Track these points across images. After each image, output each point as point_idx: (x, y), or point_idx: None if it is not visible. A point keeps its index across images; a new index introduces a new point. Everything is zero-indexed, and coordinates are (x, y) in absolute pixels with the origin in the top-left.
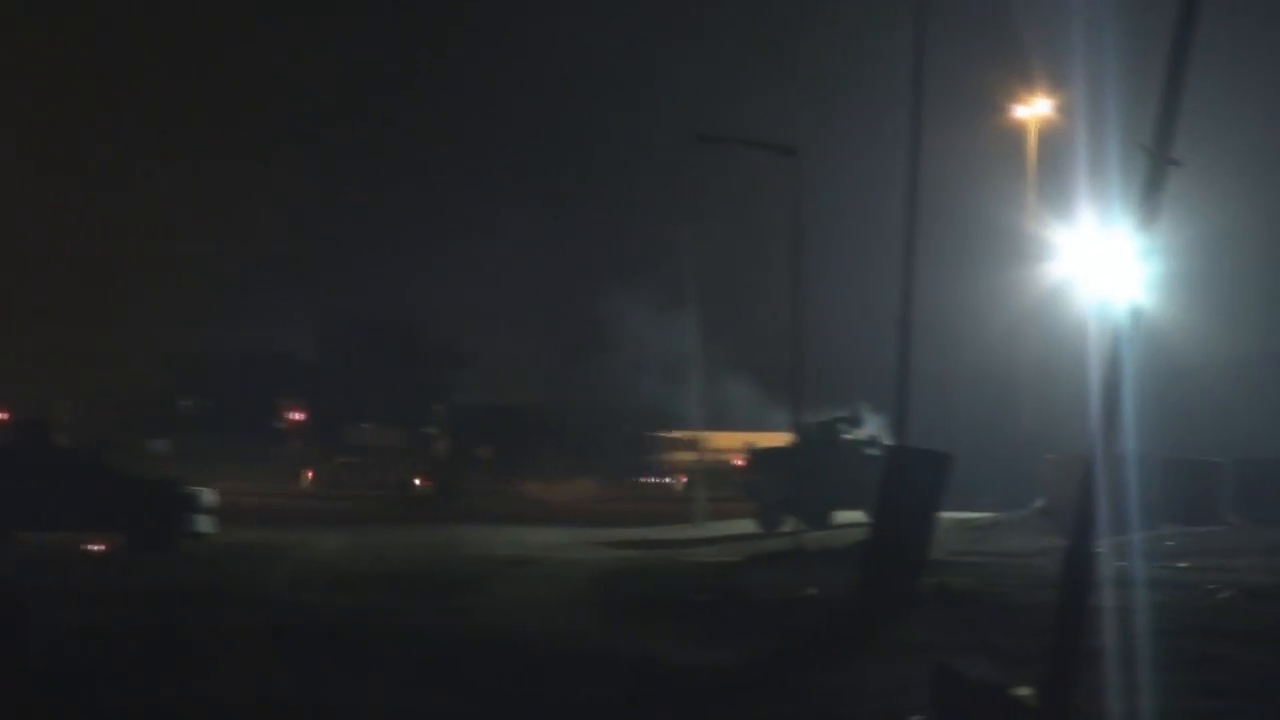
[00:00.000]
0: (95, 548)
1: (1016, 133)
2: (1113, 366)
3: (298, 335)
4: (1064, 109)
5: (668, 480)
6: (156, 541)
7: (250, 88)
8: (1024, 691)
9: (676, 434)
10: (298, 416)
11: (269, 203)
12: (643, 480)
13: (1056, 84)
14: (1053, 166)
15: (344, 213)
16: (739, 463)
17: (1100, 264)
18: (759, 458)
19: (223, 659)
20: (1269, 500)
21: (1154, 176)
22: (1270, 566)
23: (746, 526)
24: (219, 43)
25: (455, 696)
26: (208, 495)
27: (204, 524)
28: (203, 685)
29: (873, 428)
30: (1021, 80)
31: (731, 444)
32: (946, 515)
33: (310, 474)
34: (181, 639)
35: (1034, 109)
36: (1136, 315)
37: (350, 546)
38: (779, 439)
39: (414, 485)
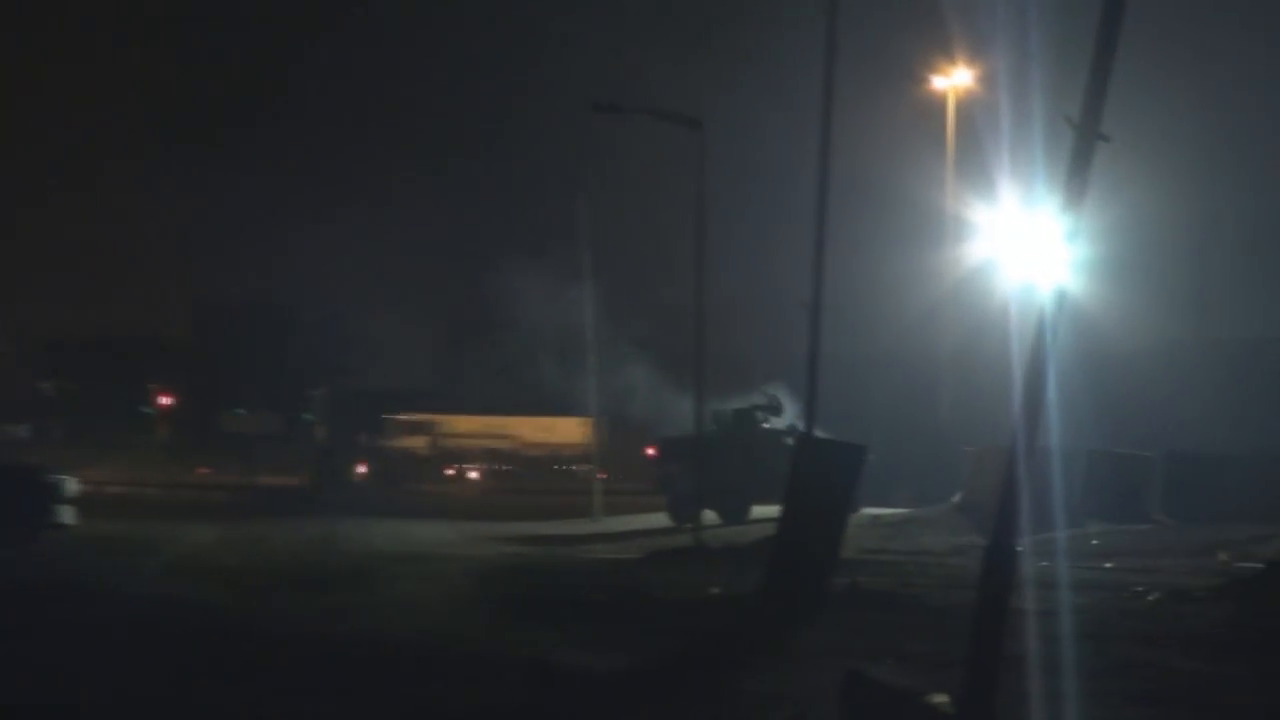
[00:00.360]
0: None
1: (937, 105)
2: (1036, 354)
3: (169, 317)
4: (986, 79)
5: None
6: (19, 533)
7: (123, 72)
8: (940, 699)
9: (414, 417)
10: (166, 401)
11: (142, 183)
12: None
13: (978, 53)
14: (974, 141)
15: (222, 192)
16: (650, 452)
17: (1024, 245)
18: (671, 446)
19: (77, 657)
20: (1198, 497)
21: (1081, 152)
22: (1200, 567)
23: (647, 521)
24: (88, 30)
25: (327, 703)
26: (70, 484)
27: (66, 515)
28: (53, 684)
29: (791, 416)
30: (941, 49)
31: (474, 428)
32: (865, 511)
33: (363, 466)
34: (37, 637)
35: (953, 80)
36: (1062, 299)
37: (222, 540)
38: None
39: (471, 480)
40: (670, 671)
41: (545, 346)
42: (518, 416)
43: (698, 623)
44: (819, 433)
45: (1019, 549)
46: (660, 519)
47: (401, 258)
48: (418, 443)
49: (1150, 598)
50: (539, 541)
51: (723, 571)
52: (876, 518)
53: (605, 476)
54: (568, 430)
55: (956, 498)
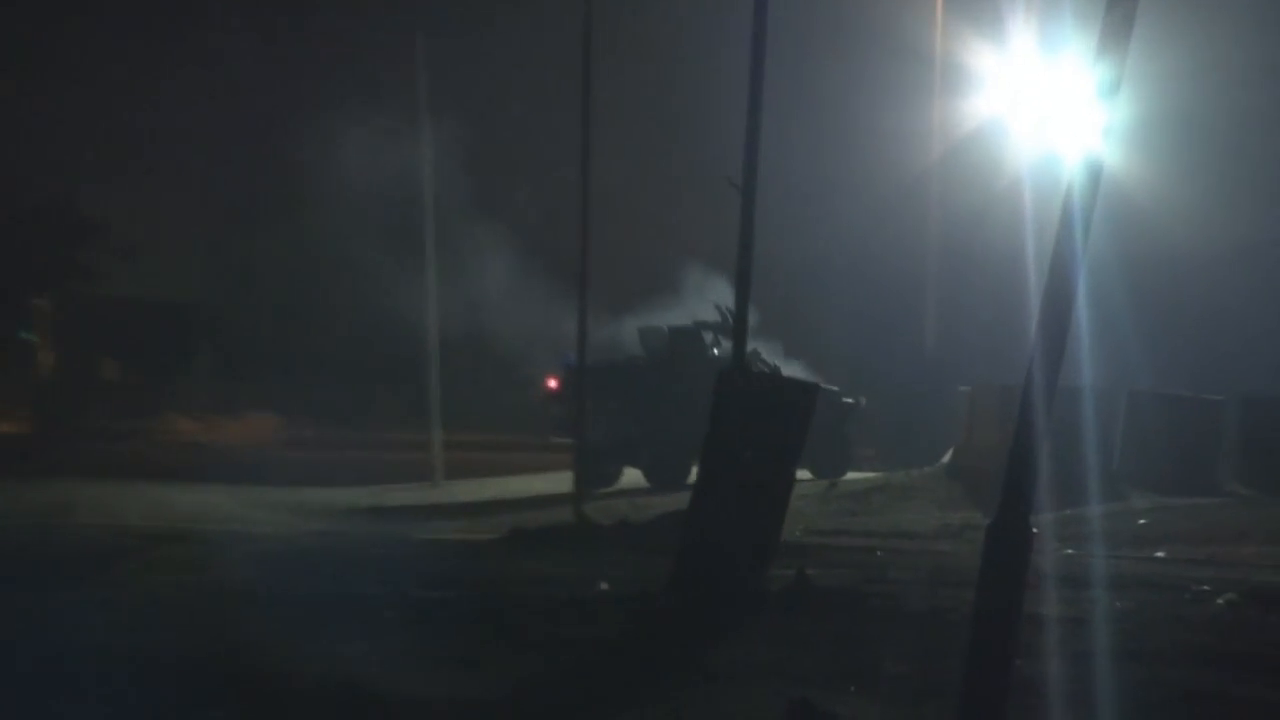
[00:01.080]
0: None
1: None
2: (1060, 255)
3: None
4: None
5: None
6: None
7: None
8: None
9: None
10: None
11: None
12: None
13: None
14: None
15: None
16: (551, 384)
17: (1043, 102)
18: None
19: None
20: None
21: None
22: None
23: (507, 487)
24: None
25: None
26: None
27: None
28: None
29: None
30: None
31: None
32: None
33: None
34: None
35: None
36: (1095, 179)
37: None
38: None
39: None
40: (535, 700)
41: (370, 233)
42: None
43: (578, 631)
44: (760, 364)
45: (1034, 530)
46: (526, 484)
47: (189, 129)
48: None
49: (1219, 600)
50: (357, 515)
51: (615, 559)
52: (834, 484)
53: None
54: None
55: (946, 457)
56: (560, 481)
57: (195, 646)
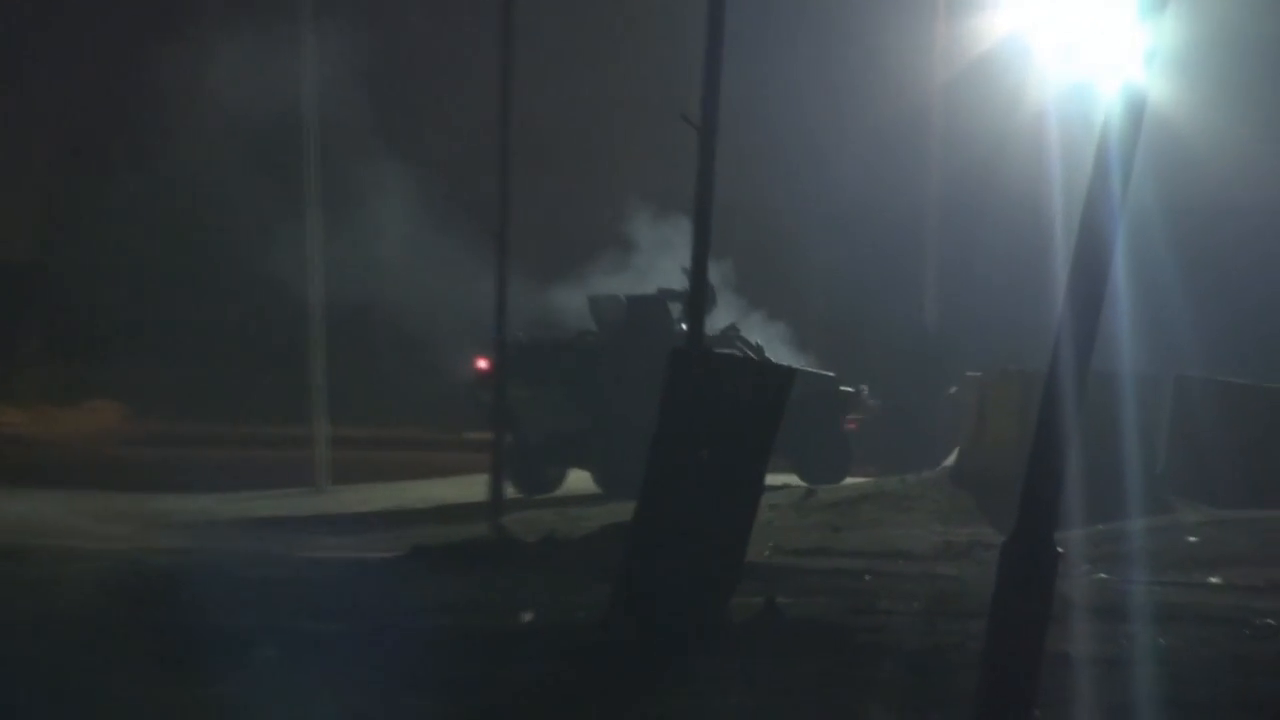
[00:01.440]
0: None
1: None
2: (1093, 210)
3: None
4: None
5: None
6: None
7: None
8: None
9: None
10: None
11: None
12: None
13: None
14: None
15: None
16: (481, 366)
17: (1074, 22)
18: (521, 359)
19: None
20: None
21: None
22: None
23: (405, 494)
24: None
25: None
26: None
27: None
28: None
29: (733, 314)
30: None
31: None
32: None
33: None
34: None
35: None
36: (1137, 115)
37: None
38: None
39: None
40: None
41: (247, 181)
42: None
43: (493, 673)
44: (741, 344)
45: (1059, 550)
46: (435, 490)
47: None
48: None
49: None
50: (224, 528)
51: (541, 583)
52: (812, 492)
53: None
54: None
55: (951, 459)
56: (478, 487)
57: (20, 695)
